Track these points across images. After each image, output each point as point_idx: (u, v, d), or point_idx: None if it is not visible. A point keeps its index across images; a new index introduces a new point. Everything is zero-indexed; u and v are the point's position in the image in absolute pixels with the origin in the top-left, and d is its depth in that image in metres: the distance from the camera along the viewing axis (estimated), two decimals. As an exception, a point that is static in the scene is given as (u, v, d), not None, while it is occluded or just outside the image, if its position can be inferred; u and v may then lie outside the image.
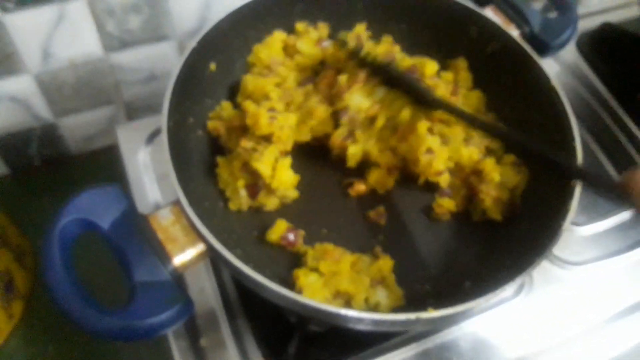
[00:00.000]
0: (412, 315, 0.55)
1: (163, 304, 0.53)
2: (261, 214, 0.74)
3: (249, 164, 0.70)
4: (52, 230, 0.54)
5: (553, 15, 0.86)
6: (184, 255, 0.57)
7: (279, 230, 0.71)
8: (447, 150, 0.76)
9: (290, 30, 0.84)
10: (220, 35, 0.75)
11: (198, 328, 0.73)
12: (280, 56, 0.81)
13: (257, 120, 0.71)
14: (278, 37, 0.82)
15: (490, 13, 0.83)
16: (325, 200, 0.77)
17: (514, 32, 0.81)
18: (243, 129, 0.74)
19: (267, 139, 0.72)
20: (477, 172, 0.76)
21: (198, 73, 0.74)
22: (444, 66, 0.84)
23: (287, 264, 0.70)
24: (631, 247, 0.86)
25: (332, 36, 0.85)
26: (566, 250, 0.84)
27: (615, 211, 0.89)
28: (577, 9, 0.87)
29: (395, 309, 0.66)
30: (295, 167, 0.74)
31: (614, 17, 1.12)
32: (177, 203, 0.59)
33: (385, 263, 0.69)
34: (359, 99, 0.75)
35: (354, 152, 0.75)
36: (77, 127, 1.03)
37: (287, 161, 0.72)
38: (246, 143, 0.71)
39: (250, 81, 0.77)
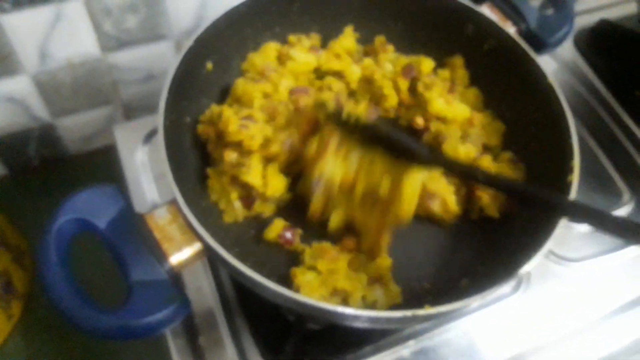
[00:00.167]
0: (408, 313, 0.55)
1: (160, 303, 0.53)
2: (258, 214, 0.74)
3: (238, 177, 0.70)
4: (48, 229, 0.54)
5: (550, 12, 0.86)
6: (180, 255, 0.57)
7: (277, 229, 0.71)
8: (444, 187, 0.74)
9: (287, 29, 0.84)
10: (216, 34, 0.75)
11: (196, 327, 0.73)
12: (274, 63, 0.81)
13: (226, 125, 0.70)
14: (272, 46, 0.82)
15: (486, 10, 0.83)
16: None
17: (511, 29, 0.81)
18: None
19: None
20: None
21: (194, 72, 0.74)
22: (440, 64, 0.85)
23: (285, 262, 0.70)
24: (628, 244, 0.86)
25: (324, 45, 0.85)
26: (564, 246, 0.84)
27: (613, 208, 0.90)
28: (574, 5, 0.87)
29: (393, 307, 0.67)
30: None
31: (611, 14, 1.12)
32: (173, 202, 0.59)
33: (384, 262, 0.69)
34: (332, 167, 0.69)
35: (336, 221, 0.71)
36: (75, 127, 1.03)
37: (275, 166, 0.72)
38: (230, 156, 0.70)
39: (240, 85, 0.77)
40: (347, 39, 0.84)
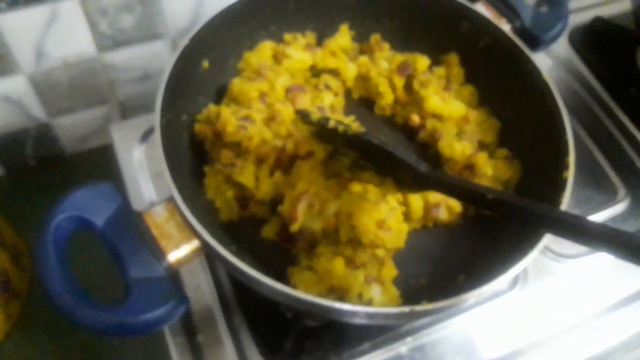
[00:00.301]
0: (406, 308, 0.55)
1: (158, 300, 0.53)
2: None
3: (232, 177, 0.70)
4: (46, 227, 0.54)
5: (544, 9, 0.86)
6: (178, 252, 0.58)
7: (274, 227, 0.71)
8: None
9: (282, 28, 0.84)
10: (212, 33, 0.75)
11: (195, 325, 0.73)
12: (270, 62, 0.82)
13: (225, 126, 0.71)
14: (268, 45, 0.82)
15: (481, 8, 0.83)
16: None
17: (506, 27, 0.82)
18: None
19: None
20: (470, 167, 0.76)
21: (191, 70, 0.74)
22: (435, 62, 0.85)
23: (282, 261, 0.70)
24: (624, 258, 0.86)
25: (320, 43, 0.85)
26: (560, 243, 0.83)
27: (608, 204, 0.90)
28: (569, 3, 0.87)
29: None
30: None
31: (606, 12, 1.12)
32: (171, 200, 0.59)
33: (389, 272, 0.69)
34: (310, 222, 0.68)
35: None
36: (72, 126, 1.03)
37: (266, 169, 0.72)
38: (226, 156, 0.71)
39: (237, 84, 0.77)
40: (343, 37, 0.84)
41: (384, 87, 0.82)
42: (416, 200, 0.72)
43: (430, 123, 0.80)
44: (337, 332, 0.73)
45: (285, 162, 0.71)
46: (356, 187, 0.68)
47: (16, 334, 0.88)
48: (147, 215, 0.58)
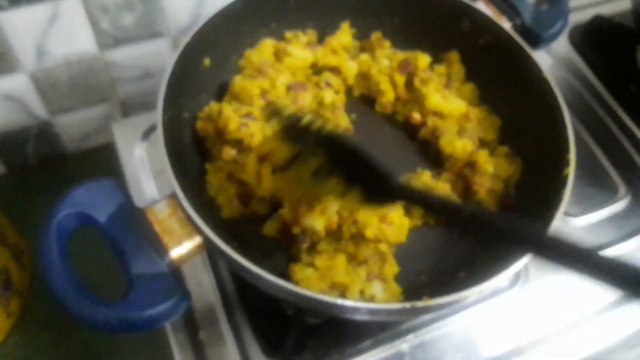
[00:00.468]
0: (407, 304, 0.55)
1: (161, 296, 0.53)
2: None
3: (234, 174, 0.70)
4: (48, 223, 0.54)
5: (544, 7, 0.86)
6: (180, 248, 0.58)
7: (275, 225, 0.71)
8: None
9: (283, 26, 0.85)
10: (213, 31, 0.75)
11: (196, 322, 0.73)
12: (271, 60, 0.82)
13: (226, 123, 0.71)
14: (269, 43, 0.83)
15: (482, 5, 0.83)
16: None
17: (506, 25, 0.82)
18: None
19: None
20: (471, 164, 0.76)
21: (192, 68, 0.74)
22: (436, 59, 0.85)
23: (284, 258, 0.70)
24: (625, 238, 0.86)
25: (321, 41, 0.86)
26: (561, 241, 0.85)
27: (609, 202, 0.90)
28: (569, 1, 0.88)
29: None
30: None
31: (606, 10, 1.12)
32: (173, 196, 0.59)
33: (391, 268, 0.69)
34: (312, 222, 0.67)
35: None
36: (73, 125, 1.03)
37: (268, 167, 0.71)
38: (228, 153, 0.71)
39: (238, 82, 0.77)
40: (344, 34, 0.85)
41: (384, 85, 0.82)
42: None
43: (431, 121, 0.80)
44: (338, 329, 0.73)
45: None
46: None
47: (17, 333, 0.88)
48: (149, 212, 0.58)
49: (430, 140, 0.81)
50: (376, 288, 0.68)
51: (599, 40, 1.07)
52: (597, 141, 0.97)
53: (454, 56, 0.84)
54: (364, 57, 0.84)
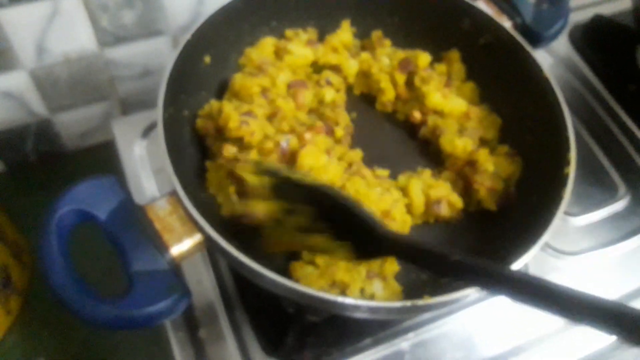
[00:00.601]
0: (408, 303, 0.55)
1: (161, 293, 0.53)
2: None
3: (234, 172, 0.70)
4: (49, 220, 0.54)
5: (545, 6, 0.86)
6: (181, 246, 0.57)
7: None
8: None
9: (283, 24, 0.85)
10: (214, 29, 0.75)
11: (197, 320, 0.73)
12: (271, 58, 0.82)
13: (227, 121, 0.71)
14: (269, 41, 0.83)
15: (482, 5, 0.83)
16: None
17: (507, 24, 0.82)
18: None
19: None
20: (472, 163, 0.76)
21: (193, 65, 0.74)
22: (437, 58, 0.85)
23: (283, 256, 0.70)
24: (625, 237, 0.86)
25: (321, 39, 0.86)
26: (561, 240, 0.85)
27: (609, 202, 0.90)
28: (569, 0, 0.88)
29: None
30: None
31: (606, 10, 1.13)
32: (173, 193, 0.59)
33: (391, 267, 0.69)
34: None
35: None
36: (72, 123, 1.03)
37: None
38: (228, 151, 0.70)
39: (238, 80, 0.77)
40: (344, 33, 0.85)
41: (385, 84, 0.82)
42: (417, 195, 0.72)
43: (431, 119, 0.80)
44: (338, 327, 0.73)
45: (287, 158, 0.71)
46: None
47: (16, 331, 0.88)
48: (149, 209, 0.58)
49: (430, 139, 0.81)
50: (376, 286, 0.68)
51: (599, 40, 1.08)
52: (596, 141, 0.97)
53: (455, 55, 0.84)
54: (365, 55, 0.84)
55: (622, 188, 0.92)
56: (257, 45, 0.82)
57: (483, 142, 0.79)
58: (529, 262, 0.60)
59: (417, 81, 0.81)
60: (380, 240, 0.56)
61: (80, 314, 0.51)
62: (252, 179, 0.61)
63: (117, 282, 0.55)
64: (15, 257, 0.89)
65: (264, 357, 0.71)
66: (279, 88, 0.78)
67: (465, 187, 0.77)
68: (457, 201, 0.74)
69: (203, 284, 0.75)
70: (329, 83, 0.81)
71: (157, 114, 0.64)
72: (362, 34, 0.87)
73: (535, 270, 0.82)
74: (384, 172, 0.76)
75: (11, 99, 0.93)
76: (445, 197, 0.74)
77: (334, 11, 0.85)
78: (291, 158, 0.71)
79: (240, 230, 0.71)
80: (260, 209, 0.60)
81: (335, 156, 0.73)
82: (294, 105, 0.77)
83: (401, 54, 0.84)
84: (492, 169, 0.75)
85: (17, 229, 0.94)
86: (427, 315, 0.76)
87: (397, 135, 0.84)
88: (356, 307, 0.56)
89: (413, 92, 0.83)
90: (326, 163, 0.70)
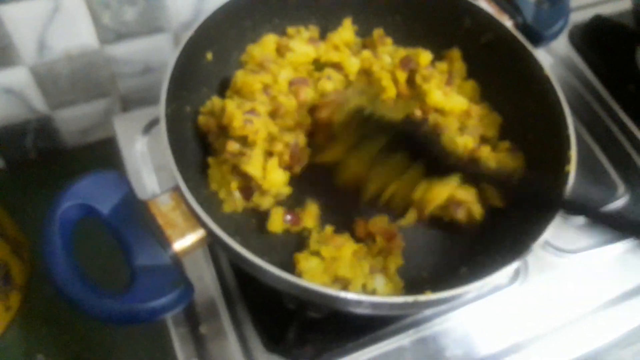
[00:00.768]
0: (410, 298, 0.55)
1: (164, 288, 0.53)
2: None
3: (239, 167, 0.70)
4: (52, 214, 0.54)
5: (545, 6, 0.87)
6: (184, 241, 0.58)
7: (278, 219, 0.71)
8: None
9: (285, 21, 0.84)
10: (215, 26, 0.75)
11: (198, 316, 0.73)
12: (273, 55, 0.82)
13: (231, 120, 0.71)
14: (271, 38, 0.83)
15: (483, 3, 0.83)
16: (321, 192, 0.76)
17: (508, 23, 0.82)
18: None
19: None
20: (474, 160, 0.76)
21: (195, 62, 0.74)
22: (438, 57, 0.85)
23: (286, 251, 0.71)
24: (624, 236, 0.87)
25: (323, 37, 0.86)
26: (561, 238, 0.85)
27: (609, 200, 0.90)
28: (570, 0, 0.88)
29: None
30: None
31: (606, 10, 1.13)
32: (176, 189, 0.59)
33: (395, 260, 0.69)
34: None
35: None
36: (73, 119, 1.03)
37: (275, 161, 0.72)
38: (232, 146, 0.70)
39: (240, 77, 0.77)
40: (346, 31, 0.85)
41: (386, 82, 0.82)
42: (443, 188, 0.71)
43: (432, 117, 0.80)
44: (340, 323, 0.73)
45: (300, 157, 0.72)
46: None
47: (16, 327, 0.88)
48: (152, 204, 0.58)
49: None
50: (378, 282, 0.68)
51: (599, 40, 1.08)
52: (596, 140, 0.97)
53: (456, 53, 0.85)
54: (366, 53, 0.84)
55: (621, 187, 0.92)
56: (259, 43, 0.82)
57: (484, 140, 0.80)
58: (529, 259, 0.61)
59: (418, 79, 0.82)
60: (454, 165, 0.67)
61: (83, 308, 0.52)
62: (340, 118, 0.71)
63: (120, 276, 0.55)
64: (15, 254, 0.89)
65: (264, 353, 0.71)
66: (280, 85, 0.78)
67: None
68: (478, 212, 0.72)
69: (204, 280, 0.75)
70: (330, 80, 0.81)
71: (160, 110, 0.64)
72: (364, 32, 0.88)
73: (534, 268, 0.82)
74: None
75: (12, 95, 0.93)
76: (468, 202, 0.72)
77: (335, 9, 0.86)
78: (302, 156, 0.72)
79: (241, 228, 0.72)
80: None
81: None
82: (295, 102, 0.77)
83: (402, 52, 0.84)
84: (494, 166, 0.75)
85: (17, 226, 0.94)
86: (427, 312, 0.77)
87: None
88: (358, 302, 0.56)
89: (414, 90, 0.83)
90: None
